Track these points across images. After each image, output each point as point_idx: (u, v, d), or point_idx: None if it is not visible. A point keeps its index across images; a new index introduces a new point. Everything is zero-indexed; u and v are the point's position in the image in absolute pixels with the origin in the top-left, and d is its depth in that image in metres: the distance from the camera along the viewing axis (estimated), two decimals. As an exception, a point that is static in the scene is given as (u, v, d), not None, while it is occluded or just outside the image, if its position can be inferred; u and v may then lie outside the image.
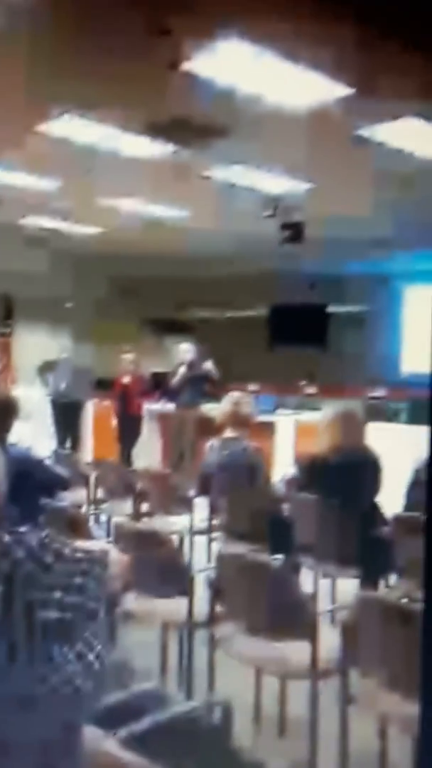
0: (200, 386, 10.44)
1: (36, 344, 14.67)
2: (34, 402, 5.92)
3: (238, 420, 5.27)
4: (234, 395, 5.45)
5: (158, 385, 11.49)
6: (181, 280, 14.51)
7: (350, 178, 8.42)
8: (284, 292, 14.17)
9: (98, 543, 2.85)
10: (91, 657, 2.28)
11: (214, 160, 8.01)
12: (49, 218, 11.18)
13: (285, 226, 10.43)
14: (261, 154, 7.74)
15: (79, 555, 2.27)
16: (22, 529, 2.21)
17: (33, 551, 2.15)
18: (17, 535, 2.17)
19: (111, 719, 2.04)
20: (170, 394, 10.77)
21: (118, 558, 2.46)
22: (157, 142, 7.32)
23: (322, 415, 4.81)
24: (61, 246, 12.99)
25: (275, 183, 8.78)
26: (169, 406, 10.90)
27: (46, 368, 11.79)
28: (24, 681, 2.15)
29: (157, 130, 7.02)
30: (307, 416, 9.84)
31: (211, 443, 5.37)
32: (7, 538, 2.15)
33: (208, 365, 10.38)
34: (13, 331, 14.25)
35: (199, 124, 6.81)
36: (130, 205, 10.08)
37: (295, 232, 10.48)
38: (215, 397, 10.68)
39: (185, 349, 10.69)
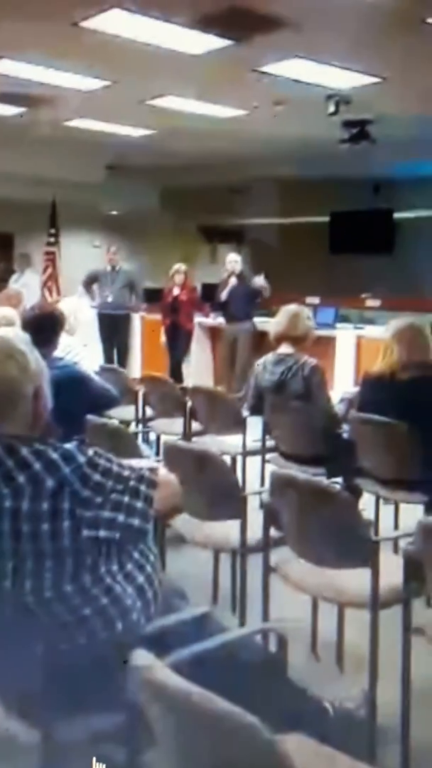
0: (251, 299, 10.35)
1: (81, 255, 14.65)
2: (80, 315, 5.91)
3: (295, 335, 5.20)
4: (291, 308, 5.36)
5: (210, 297, 11.42)
6: (234, 185, 14.30)
7: (421, 72, 8.13)
8: (347, 197, 13.90)
9: (147, 462, 2.85)
10: (141, 579, 2.31)
11: (272, 54, 7.78)
12: (95, 120, 11.04)
13: (348, 124, 10.18)
14: (323, 46, 7.50)
15: (127, 473, 2.28)
16: (69, 446, 2.22)
17: (80, 468, 2.17)
18: (64, 451, 2.19)
19: (161, 643, 2.06)
20: (219, 307, 10.71)
21: (167, 477, 2.46)
22: (211, 35, 7.13)
23: (387, 328, 4.71)
24: (107, 150, 12.84)
25: (339, 78, 8.51)
26: (220, 320, 10.85)
27: (93, 279, 11.76)
28: (73, 601, 2.18)
29: (211, 22, 6.82)
30: (370, 331, 9.73)
31: (265, 359, 5.31)
32: (54, 454, 2.17)
33: (260, 280, 10.25)
34: (58, 241, 14.23)
35: (256, 14, 6.61)
36: (181, 105, 9.89)
37: (359, 131, 10.24)
38: (268, 310, 10.65)
39: (233, 260, 10.59)
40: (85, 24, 6.83)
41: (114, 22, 6.81)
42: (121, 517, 2.22)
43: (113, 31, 6.99)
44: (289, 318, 5.24)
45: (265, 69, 8.21)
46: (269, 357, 5.28)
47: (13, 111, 10.44)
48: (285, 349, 5.20)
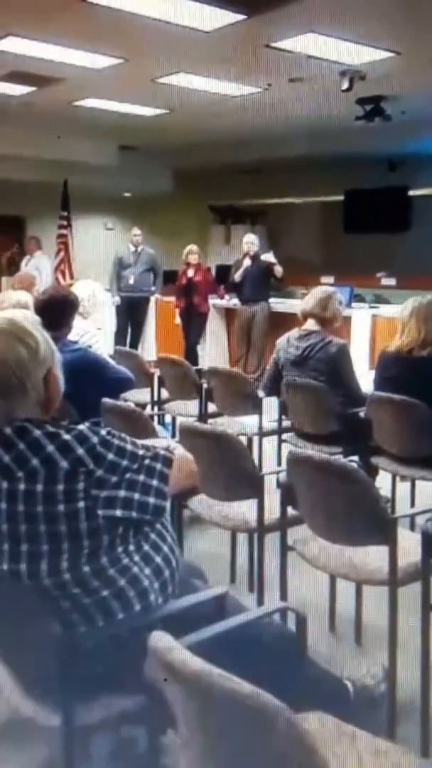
0: (265, 280, 10.33)
1: (94, 237, 14.62)
2: (95, 298, 5.90)
3: (324, 316, 5.16)
4: (324, 288, 5.37)
5: (224, 279, 11.39)
6: (247, 164, 14.20)
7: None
8: (361, 175, 13.80)
9: (163, 442, 2.85)
10: (158, 559, 2.31)
11: (285, 29, 7.70)
12: (106, 99, 10.98)
13: (363, 101, 10.09)
14: (336, 19, 7.41)
15: (141, 452, 2.27)
16: (81, 426, 2.21)
17: (94, 449, 2.16)
18: (77, 433, 2.18)
19: (180, 624, 2.06)
20: (234, 289, 10.70)
21: (183, 456, 2.45)
22: (222, 9, 7.06)
23: (404, 306, 4.68)
24: (120, 130, 12.77)
25: (353, 53, 8.40)
26: (235, 301, 10.83)
27: (119, 264, 11.72)
28: (90, 583, 2.18)
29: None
30: (386, 310, 9.69)
31: (289, 334, 5.26)
32: (67, 436, 2.16)
33: (269, 256, 10.23)
34: (70, 224, 14.19)
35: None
36: (194, 83, 9.81)
37: (374, 107, 10.15)
38: (283, 291, 10.63)
39: (250, 241, 10.57)
40: (93, -1, 6.76)
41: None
42: (136, 496, 2.21)
43: (122, 6, 6.92)
44: (320, 299, 5.20)
45: (278, 45, 8.12)
46: (293, 332, 5.25)
47: (22, 91, 10.37)
48: (311, 325, 5.17)
